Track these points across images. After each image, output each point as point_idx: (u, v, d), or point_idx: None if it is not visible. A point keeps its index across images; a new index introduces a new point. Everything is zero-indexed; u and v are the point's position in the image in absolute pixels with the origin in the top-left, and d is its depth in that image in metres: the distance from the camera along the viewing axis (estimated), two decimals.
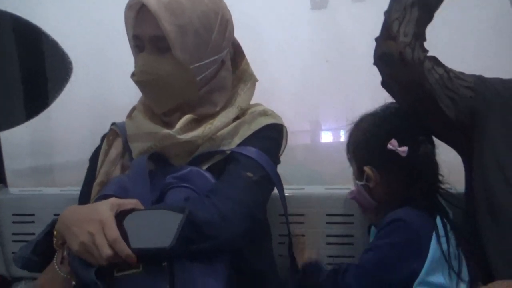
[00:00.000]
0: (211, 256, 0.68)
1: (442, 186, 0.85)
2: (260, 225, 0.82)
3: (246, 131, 0.83)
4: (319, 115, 1.59)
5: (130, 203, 0.64)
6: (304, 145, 1.61)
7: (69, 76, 1.00)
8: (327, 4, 1.62)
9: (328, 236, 1.03)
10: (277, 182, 0.81)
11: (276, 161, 0.86)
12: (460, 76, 0.82)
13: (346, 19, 1.48)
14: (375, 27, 0.84)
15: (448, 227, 0.79)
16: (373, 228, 0.91)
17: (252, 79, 0.91)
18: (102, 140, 0.92)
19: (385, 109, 0.89)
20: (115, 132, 0.89)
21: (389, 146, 0.80)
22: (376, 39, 0.83)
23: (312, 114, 1.56)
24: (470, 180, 0.84)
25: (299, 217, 1.03)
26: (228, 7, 0.85)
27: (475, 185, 0.81)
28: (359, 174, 0.88)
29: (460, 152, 0.86)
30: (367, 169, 0.85)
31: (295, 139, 1.30)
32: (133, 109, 0.87)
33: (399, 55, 0.78)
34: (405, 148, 0.80)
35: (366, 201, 0.89)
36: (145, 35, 0.76)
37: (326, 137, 1.68)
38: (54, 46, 1.11)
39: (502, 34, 1.35)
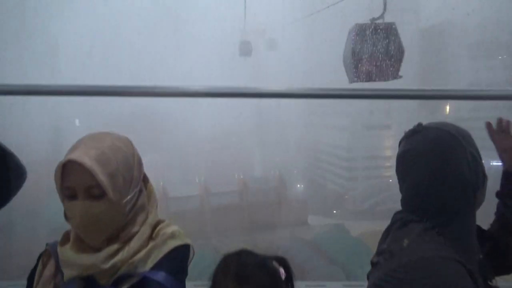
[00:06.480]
0: None
1: None
2: None
3: (158, 254, 0.96)
4: None
5: None
6: None
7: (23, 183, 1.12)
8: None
9: None
10: None
11: (183, 277, 1.00)
12: None
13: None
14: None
15: None
16: None
17: (155, 198, 1.04)
18: (38, 260, 1.02)
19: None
20: (49, 253, 1.00)
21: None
22: None
23: None
24: None
25: None
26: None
27: None
28: None
29: None
30: None
31: None
32: (67, 234, 0.98)
33: None
34: None
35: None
36: (80, 186, 0.87)
37: None
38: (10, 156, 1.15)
39: None
